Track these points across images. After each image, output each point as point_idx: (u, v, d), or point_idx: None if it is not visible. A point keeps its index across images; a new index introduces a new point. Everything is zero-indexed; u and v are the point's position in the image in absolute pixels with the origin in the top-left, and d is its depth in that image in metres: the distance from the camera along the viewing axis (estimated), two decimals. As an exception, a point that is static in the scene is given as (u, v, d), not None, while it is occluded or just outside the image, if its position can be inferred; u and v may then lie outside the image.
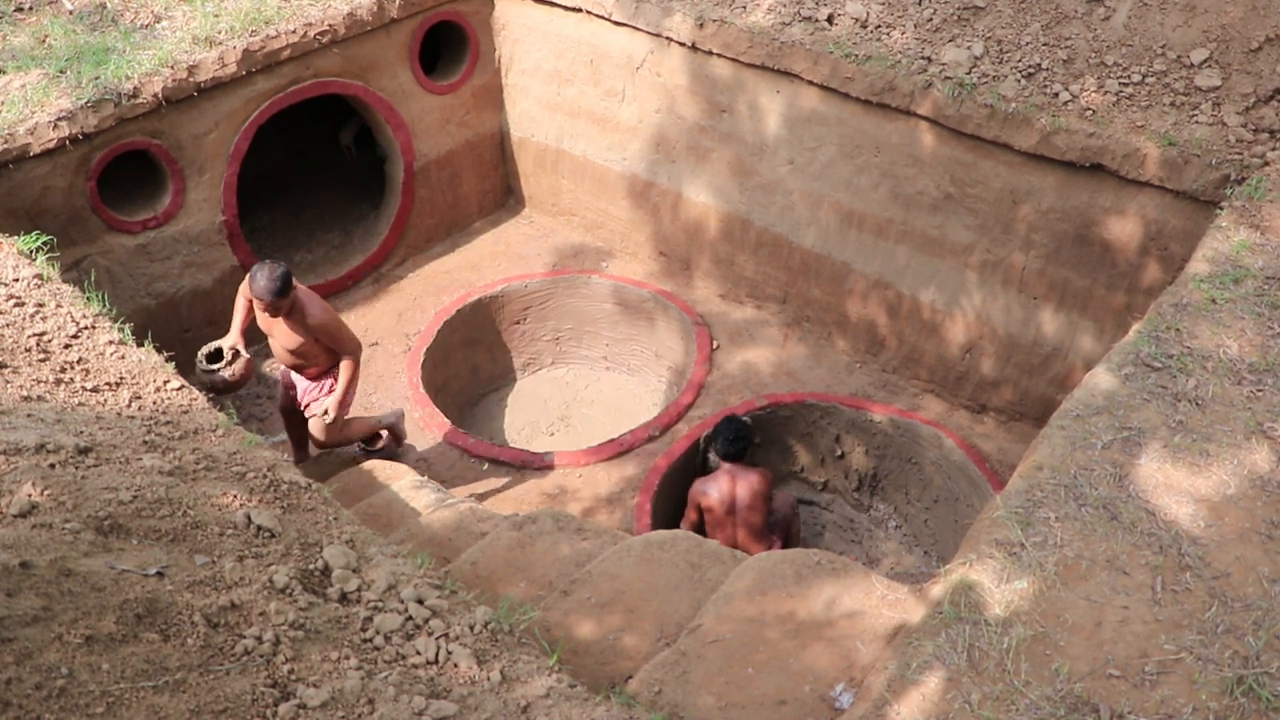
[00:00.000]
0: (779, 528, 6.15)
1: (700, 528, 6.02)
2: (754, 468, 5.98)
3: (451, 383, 7.65)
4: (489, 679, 2.74)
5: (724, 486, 5.87)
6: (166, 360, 4.24)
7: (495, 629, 2.97)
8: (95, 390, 3.84)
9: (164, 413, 3.81)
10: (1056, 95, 5.65)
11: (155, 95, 6.08)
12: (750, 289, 7.60)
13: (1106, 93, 5.56)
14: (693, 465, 6.65)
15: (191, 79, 6.22)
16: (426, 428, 6.80)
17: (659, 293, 7.77)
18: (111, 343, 4.16)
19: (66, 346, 4.05)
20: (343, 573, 3.00)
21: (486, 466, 6.51)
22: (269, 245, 8.02)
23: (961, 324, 6.57)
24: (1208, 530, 3.30)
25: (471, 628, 2.93)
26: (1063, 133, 5.53)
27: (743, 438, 5.92)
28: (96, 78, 5.98)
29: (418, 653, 2.77)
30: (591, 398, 8.00)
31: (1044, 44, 5.81)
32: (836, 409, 6.86)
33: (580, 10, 7.37)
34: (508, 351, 8.08)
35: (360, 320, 7.72)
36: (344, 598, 2.93)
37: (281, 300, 5.23)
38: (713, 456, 6.50)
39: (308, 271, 7.91)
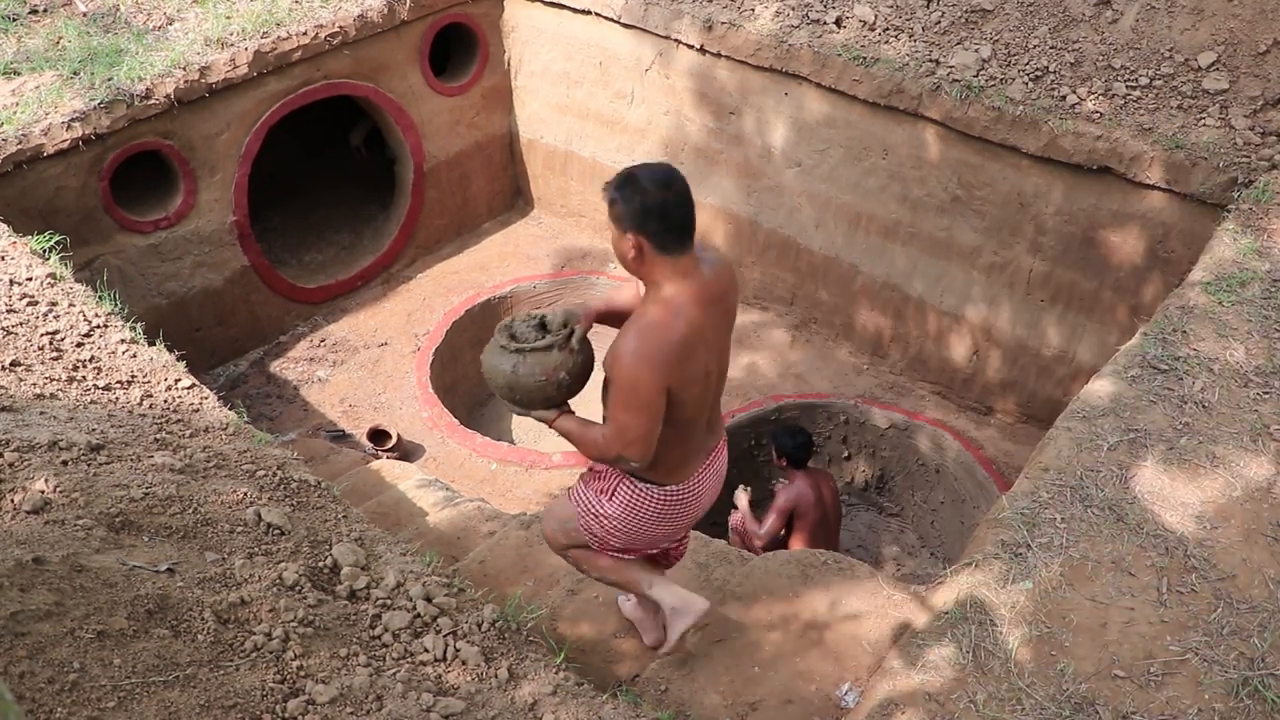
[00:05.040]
0: None
1: (781, 539, 5.98)
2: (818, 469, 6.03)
3: (460, 383, 7.67)
4: (496, 676, 2.76)
5: (816, 492, 5.86)
6: (177, 359, 4.27)
7: (503, 627, 2.99)
8: (107, 388, 3.87)
9: (175, 411, 3.84)
10: (1064, 98, 5.65)
11: (167, 96, 6.12)
12: (758, 291, 7.61)
13: (1114, 95, 5.56)
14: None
15: (203, 80, 6.26)
16: (435, 427, 6.82)
17: (667, 294, 7.77)
18: (123, 341, 4.19)
19: (79, 345, 4.08)
20: (351, 570, 3.03)
21: (495, 466, 6.54)
22: (279, 245, 8.06)
23: (968, 326, 6.58)
24: (1213, 532, 3.30)
25: (479, 625, 2.95)
26: (1070, 135, 5.53)
27: (811, 441, 5.94)
28: (109, 79, 6.02)
29: (425, 650, 2.79)
30: (597, 398, 8.00)
31: (1051, 47, 5.81)
32: (843, 411, 6.86)
33: (589, 13, 7.39)
34: (516, 352, 8.08)
35: (370, 320, 7.75)
36: (353, 595, 2.95)
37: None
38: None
39: (318, 272, 7.95)
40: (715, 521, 6.51)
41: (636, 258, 2.80)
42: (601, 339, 3.19)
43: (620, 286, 3.08)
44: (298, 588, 2.85)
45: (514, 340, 2.98)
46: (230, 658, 2.51)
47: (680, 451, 3.04)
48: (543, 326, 3.03)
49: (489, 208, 8.71)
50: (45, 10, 6.76)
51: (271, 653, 2.56)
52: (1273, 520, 3.33)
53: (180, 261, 6.73)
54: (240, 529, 3.08)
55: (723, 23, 6.65)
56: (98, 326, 4.24)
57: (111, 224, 6.31)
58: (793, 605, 3.61)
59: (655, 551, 3.39)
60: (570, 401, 3.09)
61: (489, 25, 7.94)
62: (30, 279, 4.40)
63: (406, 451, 6.67)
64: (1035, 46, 5.85)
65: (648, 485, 3.09)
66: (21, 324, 4.09)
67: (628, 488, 3.10)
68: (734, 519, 6.10)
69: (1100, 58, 5.70)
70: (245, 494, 3.25)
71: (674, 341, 2.76)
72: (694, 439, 3.07)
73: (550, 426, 3.06)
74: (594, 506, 3.17)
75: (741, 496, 6.07)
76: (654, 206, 2.71)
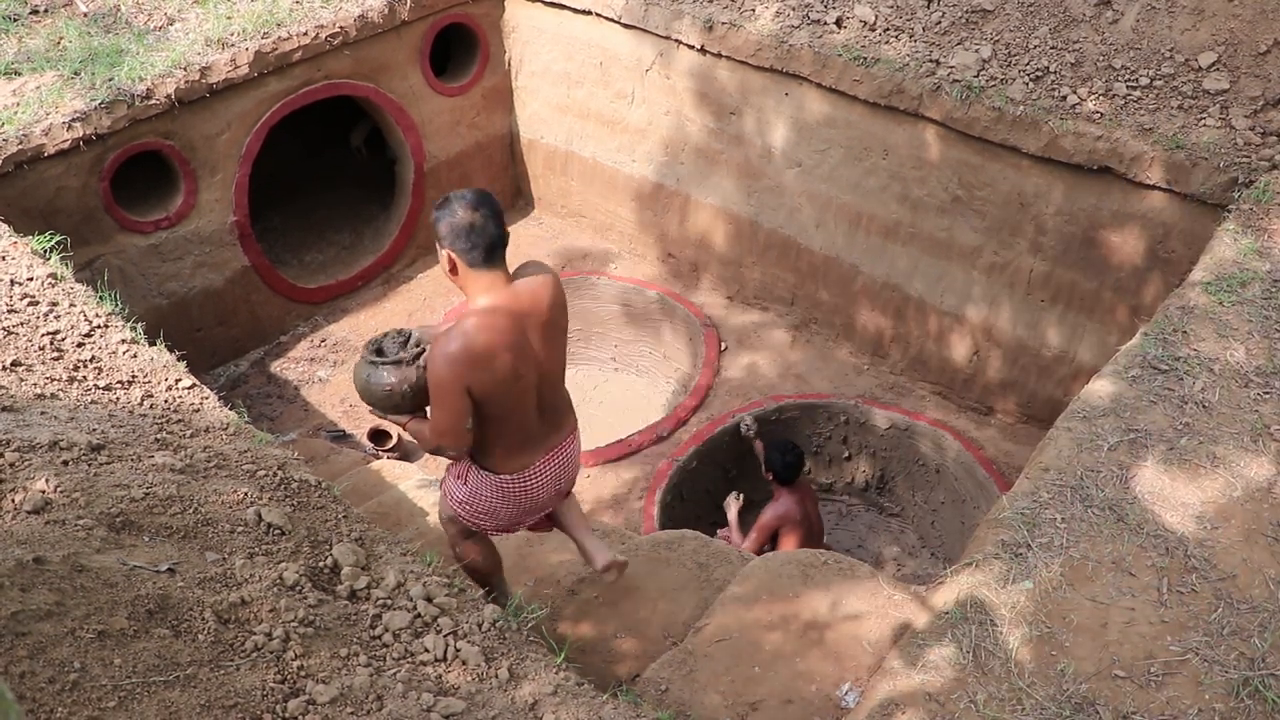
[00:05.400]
0: None
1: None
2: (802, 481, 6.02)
3: (460, 383, 7.66)
4: (497, 676, 2.76)
5: (802, 508, 5.84)
6: (178, 359, 4.27)
7: (503, 627, 2.99)
8: (107, 388, 3.87)
9: (175, 411, 3.84)
10: (1064, 98, 5.65)
11: (168, 96, 6.13)
12: (758, 291, 7.61)
13: (1114, 96, 5.56)
14: (701, 467, 6.65)
15: (204, 80, 6.26)
16: (435, 428, 6.82)
17: (667, 294, 7.79)
18: (124, 341, 4.19)
19: (79, 345, 4.08)
20: (352, 570, 3.02)
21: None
22: (280, 246, 8.06)
23: (969, 326, 6.58)
24: (1214, 532, 3.30)
25: (479, 625, 2.95)
26: (1070, 135, 5.53)
27: (802, 459, 5.92)
28: (110, 79, 6.03)
29: (426, 650, 2.78)
30: (600, 399, 8.01)
31: (1052, 47, 5.81)
32: (843, 411, 6.86)
33: (590, 13, 7.40)
34: (516, 352, 8.09)
35: (370, 320, 7.76)
36: (353, 595, 2.95)
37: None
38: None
39: (318, 272, 7.95)
40: (715, 522, 6.51)
41: (452, 270, 3.17)
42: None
43: None
44: (298, 588, 2.85)
45: (377, 355, 3.43)
46: (231, 658, 2.51)
47: (508, 444, 3.44)
48: (406, 344, 3.44)
49: (490, 208, 8.70)
50: (46, 10, 6.77)
51: (272, 653, 2.56)
52: (1273, 520, 3.33)
53: (181, 262, 6.74)
54: (241, 529, 3.08)
55: (723, 23, 6.66)
56: (98, 326, 4.24)
57: (112, 224, 6.32)
58: (793, 605, 3.61)
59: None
60: None
61: (489, 25, 7.94)
62: (31, 279, 4.40)
63: (407, 451, 6.67)
64: (1036, 47, 5.85)
65: (486, 473, 3.52)
66: (22, 324, 4.09)
67: (474, 475, 3.55)
68: (720, 535, 6.09)
69: (1101, 58, 5.70)
70: (246, 494, 3.25)
71: (472, 348, 3.11)
72: (522, 434, 3.44)
73: (404, 430, 3.47)
74: (453, 490, 3.64)
75: (732, 505, 6.06)
76: (462, 227, 3.08)
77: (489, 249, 3.13)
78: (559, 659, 2.99)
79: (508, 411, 3.31)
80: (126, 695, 2.27)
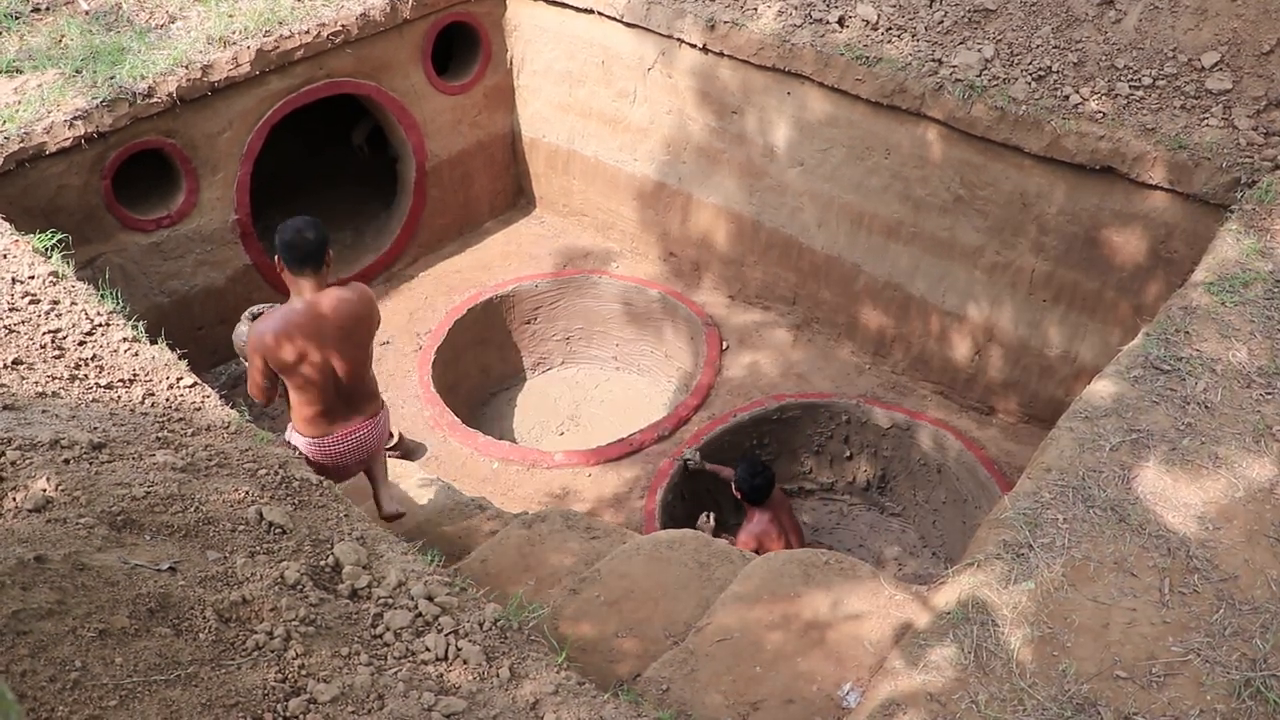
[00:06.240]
0: None
1: None
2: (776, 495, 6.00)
3: (462, 382, 7.68)
4: (498, 676, 2.76)
5: (778, 524, 5.82)
6: (179, 358, 4.27)
7: (504, 626, 2.99)
8: (109, 387, 3.87)
9: (177, 409, 3.84)
10: (1067, 98, 5.64)
11: (170, 95, 6.12)
12: (760, 290, 7.61)
13: (1117, 95, 5.56)
14: (702, 467, 6.64)
15: (205, 79, 6.26)
16: (436, 426, 6.83)
17: (669, 294, 7.79)
18: (125, 340, 4.19)
19: (81, 343, 4.09)
20: (353, 569, 3.03)
21: (496, 465, 6.54)
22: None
23: (970, 326, 6.57)
24: (1216, 533, 3.30)
25: (481, 625, 2.95)
26: (1073, 135, 5.52)
27: (772, 481, 5.91)
28: (112, 77, 6.03)
29: (427, 649, 2.79)
30: (601, 398, 8.01)
31: (1054, 47, 5.80)
32: (845, 410, 6.86)
33: (592, 12, 7.39)
34: (518, 351, 8.11)
35: (371, 319, 7.75)
36: (354, 594, 2.95)
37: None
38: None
39: (319, 271, 7.94)
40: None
41: (280, 271, 4.13)
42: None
43: None
44: (299, 586, 2.85)
45: (252, 319, 4.38)
46: (232, 656, 2.51)
47: (310, 413, 4.36)
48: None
49: (491, 207, 8.71)
50: (48, 8, 6.76)
51: (273, 651, 2.57)
52: (1275, 521, 3.33)
53: (182, 260, 6.74)
54: (242, 528, 3.08)
55: (725, 22, 6.65)
56: (100, 325, 4.24)
57: (114, 222, 6.32)
58: (794, 605, 3.61)
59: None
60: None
61: (491, 24, 7.93)
62: (32, 277, 4.40)
63: (408, 450, 6.66)
64: (1038, 46, 5.84)
65: (296, 433, 4.46)
66: (24, 322, 4.10)
67: (291, 431, 4.51)
68: None
69: (1103, 57, 5.69)
70: (247, 493, 3.26)
71: (273, 331, 4.09)
72: (322, 408, 4.35)
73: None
74: (289, 435, 4.57)
75: (704, 527, 6.03)
76: (287, 240, 4.05)
77: (301, 261, 4.07)
78: (560, 658, 2.99)
79: (305, 384, 4.24)
80: (127, 694, 2.27)
